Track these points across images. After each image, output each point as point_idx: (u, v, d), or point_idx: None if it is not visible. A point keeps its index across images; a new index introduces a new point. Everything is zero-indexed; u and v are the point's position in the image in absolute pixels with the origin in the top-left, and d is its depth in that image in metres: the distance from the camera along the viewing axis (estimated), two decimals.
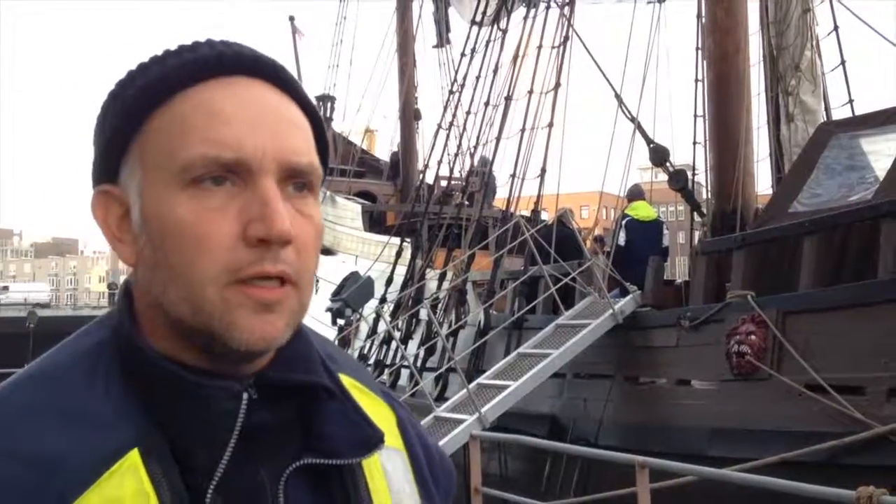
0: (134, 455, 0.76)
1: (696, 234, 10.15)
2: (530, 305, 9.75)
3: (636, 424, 8.01)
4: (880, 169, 7.51)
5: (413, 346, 11.34)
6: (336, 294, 14.21)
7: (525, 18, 11.98)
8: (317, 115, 0.88)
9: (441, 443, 7.03)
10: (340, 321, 13.48)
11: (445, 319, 11.01)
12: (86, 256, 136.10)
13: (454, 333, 10.58)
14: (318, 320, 13.16)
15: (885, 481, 4.17)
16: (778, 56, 9.80)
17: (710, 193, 9.38)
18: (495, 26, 13.16)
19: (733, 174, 8.76)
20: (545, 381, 8.45)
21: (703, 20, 9.57)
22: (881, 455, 5.87)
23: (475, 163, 13.41)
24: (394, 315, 12.06)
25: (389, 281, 13.43)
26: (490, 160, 12.54)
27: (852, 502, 4.00)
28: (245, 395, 0.80)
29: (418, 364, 10.50)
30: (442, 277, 11.69)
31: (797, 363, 6.64)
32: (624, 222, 10.13)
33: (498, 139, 11.99)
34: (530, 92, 11.39)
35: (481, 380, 8.76)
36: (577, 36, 11.01)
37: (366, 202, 18.43)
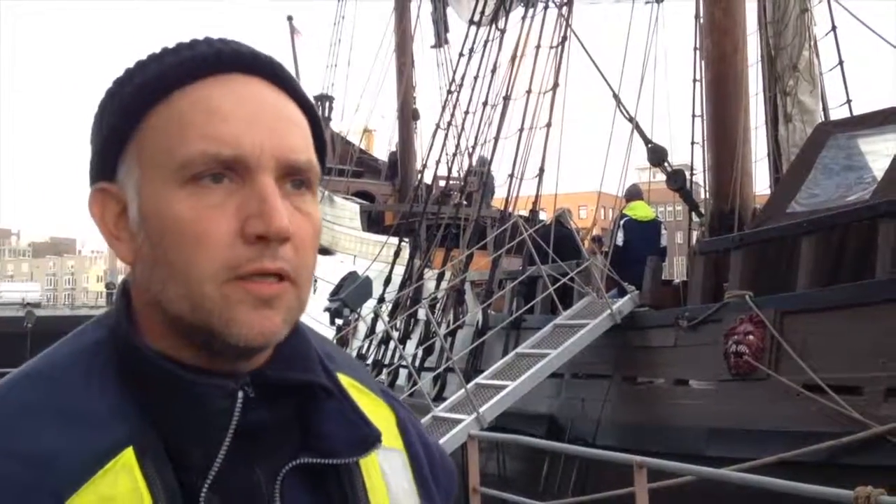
0: (128, 454, 0.76)
1: (694, 234, 10.15)
2: (528, 305, 9.75)
3: (634, 424, 8.01)
4: (878, 169, 7.52)
5: (411, 345, 11.33)
6: (334, 294, 14.21)
7: (523, 18, 11.98)
8: (314, 113, 0.88)
9: (439, 443, 7.02)
10: (338, 321, 13.48)
11: (444, 319, 11.01)
12: (83, 256, 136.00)
13: (452, 333, 10.58)
14: (317, 320, 13.15)
15: (883, 481, 4.17)
16: (776, 56, 9.81)
17: (708, 193, 9.38)
18: (493, 26, 13.16)
19: (731, 174, 8.77)
20: (543, 381, 8.45)
21: (701, 20, 9.58)
22: (879, 455, 5.88)
23: (473, 163, 13.42)
24: (392, 315, 12.05)
25: (388, 281, 13.43)
26: (488, 160, 12.55)
27: (850, 502, 4.00)
28: (241, 394, 0.80)
29: (416, 364, 10.50)
30: (440, 277, 11.68)
31: (795, 363, 6.64)
32: (622, 222, 10.13)
33: (496, 139, 11.99)
34: (528, 92, 11.40)
35: (479, 380, 8.76)
36: (576, 36, 11.03)
37: (364, 202, 18.43)
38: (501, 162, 12.27)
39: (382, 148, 21.70)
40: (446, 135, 14.19)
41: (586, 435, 8.33)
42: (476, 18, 13.65)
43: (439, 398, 9.47)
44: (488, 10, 13.36)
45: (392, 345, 11.56)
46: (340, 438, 0.84)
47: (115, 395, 0.79)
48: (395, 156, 19.70)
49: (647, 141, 9.88)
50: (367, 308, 13.03)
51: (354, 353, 12.27)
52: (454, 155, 14.55)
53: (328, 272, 16.11)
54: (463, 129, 13.70)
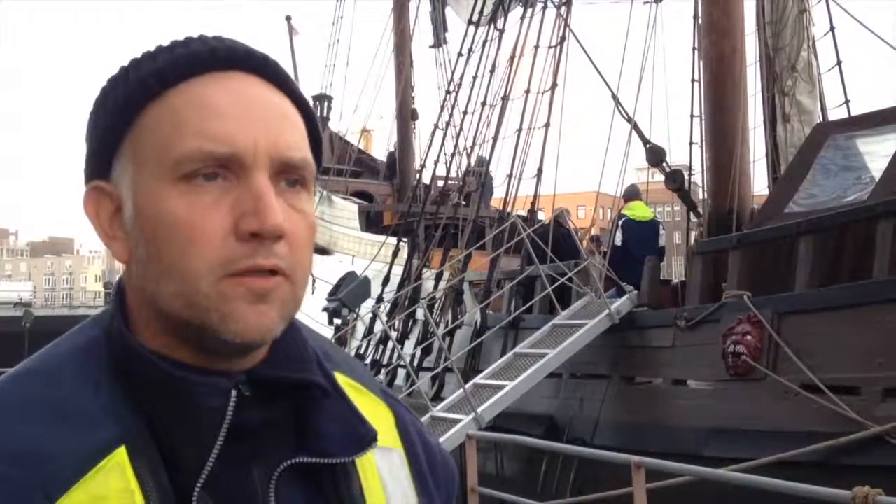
0: (121, 453, 0.76)
1: (693, 235, 10.16)
2: (527, 305, 9.75)
3: (632, 424, 8.01)
4: (876, 169, 7.52)
5: (409, 345, 11.34)
6: (333, 294, 14.23)
7: (522, 18, 11.98)
8: (310, 111, 0.87)
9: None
10: (337, 321, 13.50)
11: (442, 319, 11.01)
12: (82, 256, 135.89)
13: (451, 333, 10.58)
14: (315, 320, 13.16)
15: (880, 481, 4.17)
16: (774, 56, 9.81)
17: (706, 194, 9.38)
18: (492, 26, 13.16)
19: (730, 174, 8.77)
20: (542, 381, 8.45)
21: (700, 21, 9.58)
22: (877, 455, 5.88)
23: (472, 163, 13.42)
24: (390, 315, 12.06)
25: (386, 281, 13.43)
26: (487, 160, 12.55)
27: (848, 502, 4.01)
28: (234, 393, 0.80)
29: (415, 364, 10.51)
30: (439, 277, 11.68)
31: (793, 363, 6.64)
32: (620, 222, 10.14)
33: (495, 139, 12.00)
34: (527, 92, 11.40)
35: (478, 380, 8.77)
36: (574, 36, 11.04)
37: (363, 202, 18.43)
38: (500, 162, 12.29)
39: (381, 148, 21.73)
40: (445, 135, 14.21)
41: (584, 435, 8.33)
42: (475, 18, 13.65)
43: (437, 398, 9.47)
44: (487, 10, 13.37)
45: (390, 345, 11.56)
46: (336, 438, 0.84)
47: (109, 395, 0.79)
48: (394, 156, 19.70)
49: (645, 141, 9.88)
50: (366, 308, 13.04)
51: (352, 353, 12.26)
52: (453, 155, 14.55)
53: (327, 272, 16.12)
54: (461, 129, 13.71)
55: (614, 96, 10.07)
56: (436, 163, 14.58)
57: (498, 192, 13.17)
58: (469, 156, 13.57)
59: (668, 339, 8.00)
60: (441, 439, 7.54)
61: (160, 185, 0.79)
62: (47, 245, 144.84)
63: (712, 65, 9.14)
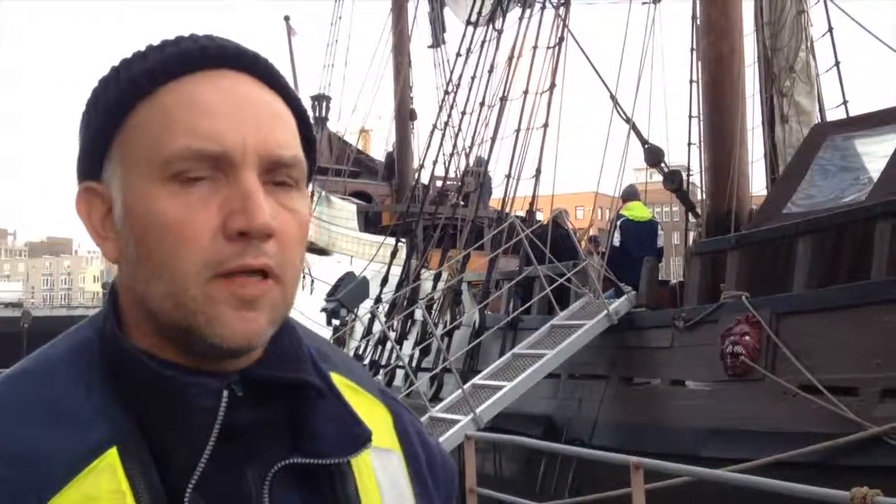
0: (112, 454, 0.75)
1: (691, 235, 10.17)
2: (525, 306, 9.75)
3: (631, 425, 8.02)
4: (874, 170, 7.53)
5: (408, 346, 11.33)
6: (331, 294, 14.23)
7: (520, 19, 11.98)
8: (302, 110, 0.87)
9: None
10: (335, 321, 13.49)
11: (440, 320, 11.00)
12: (80, 256, 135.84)
13: (449, 334, 10.58)
14: (314, 320, 13.15)
15: (879, 482, 4.17)
16: (772, 57, 9.82)
17: (704, 194, 9.39)
18: (490, 26, 13.16)
19: (728, 175, 8.78)
20: (540, 381, 8.45)
21: (698, 21, 9.59)
22: (875, 456, 5.88)
23: (470, 163, 13.42)
24: (389, 315, 12.05)
25: (384, 281, 13.43)
26: (485, 160, 12.55)
27: (846, 503, 4.01)
28: (225, 393, 0.79)
29: (413, 364, 10.50)
30: (437, 278, 11.68)
31: (791, 364, 6.65)
32: (619, 223, 10.14)
33: (493, 139, 12.00)
34: (525, 92, 11.40)
35: (476, 380, 8.76)
36: (573, 36, 11.04)
37: (361, 202, 18.43)
38: (498, 162, 12.29)
39: (379, 148, 21.72)
40: (443, 135, 14.22)
41: (583, 435, 8.33)
42: (473, 19, 13.66)
43: (436, 399, 9.47)
44: (485, 11, 13.37)
45: (389, 345, 11.55)
46: (331, 438, 0.83)
47: (101, 395, 0.78)
48: (393, 156, 19.70)
49: (643, 142, 9.89)
50: (364, 308, 13.04)
51: (351, 354, 12.26)
52: (451, 155, 14.56)
53: (325, 272, 16.13)
54: (460, 129, 13.72)
55: (613, 97, 10.07)
56: (434, 163, 14.61)
57: (496, 193, 13.19)
58: (467, 156, 13.58)
59: (667, 339, 8.01)
60: (440, 440, 7.51)
61: (149, 184, 0.79)
62: (45, 245, 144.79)
63: (711, 65, 9.15)
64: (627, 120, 9.91)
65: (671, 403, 7.87)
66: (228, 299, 0.78)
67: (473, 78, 13.08)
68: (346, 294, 13.53)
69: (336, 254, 17.20)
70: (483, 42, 13.14)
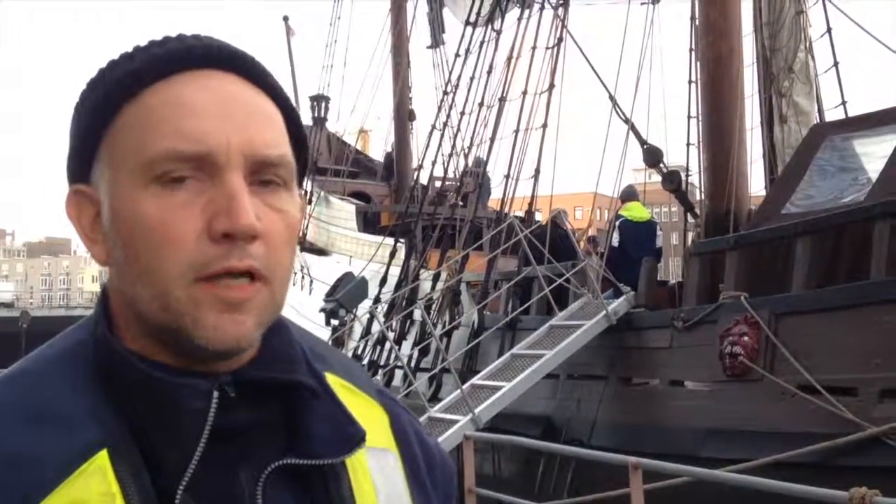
0: (102, 456, 0.75)
1: (690, 235, 10.17)
2: (524, 306, 9.75)
3: (630, 425, 8.02)
4: (873, 171, 7.53)
5: (407, 346, 11.33)
6: (330, 294, 14.22)
7: (519, 19, 11.99)
8: (291, 108, 0.86)
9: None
10: (334, 321, 13.48)
11: (439, 320, 11.00)
12: (79, 256, 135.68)
13: (448, 334, 10.58)
14: (312, 320, 13.15)
15: (877, 482, 4.18)
16: (771, 57, 9.83)
17: (703, 194, 9.39)
18: (489, 27, 13.17)
19: (727, 175, 8.78)
20: (539, 381, 8.45)
21: (697, 22, 9.59)
22: (874, 456, 5.89)
23: (469, 163, 13.42)
24: (388, 316, 12.05)
25: (383, 281, 13.42)
26: (484, 161, 12.55)
27: (845, 503, 4.01)
28: (216, 394, 0.79)
29: (412, 365, 10.50)
30: (436, 278, 11.68)
31: (790, 364, 6.65)
32: (618, 223, 10.14)
33: (492, 140, 12.00)
34: (524, 93, 11.41)
35: (475, 380, 8.77)
36: (571, 37, 11.05)
37: (360, 202, 18.43)
38: (497, 163, 12.30)
39: (378, 149, 21.72)
40: (442, 135, 14.21)
41: (582, 436, 8.34)
42: (472, 19, 13.66)
43: (435, 399, 9.47)
44: (484, 11, 13.38)
45: (388, 346, 11.55)
46: (325, 439, 0.83)
47: (92, 397, 0.78)
48: (392, 156, 19.69)
49: (642, 142, 9.89)
50: (363, 309, 13.03)
51: (350, 354, 12.26)
52: (450, 156, 14.57)
53: (324, 273, 16.12)
54: (459, 129, 13.71)
55: (611, 97, 10.08)
56: (433, 163, 14.61)
57: (495, 193, 13.20)
58: (466, 156, 13.57)
59: (666, 339, 8.01)
60: (438, 440, 7.51)
61: (134, 186, 0.78)
62: (44, 245, 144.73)
63: (709, 66, 9.15)
64: (626, 120, 9.91)
65: (670, 404, 7.87)
66: (213, 302, 0.77)
67: (472, 78, 13.09)
68: (344, 294, 13.53)
69: (335, 254, 17.20)
70: (482, 42, 13.16)
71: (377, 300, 12.95)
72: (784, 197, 8.16)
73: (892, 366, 6.02)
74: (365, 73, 20.12)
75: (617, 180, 10.56)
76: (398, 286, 12.63)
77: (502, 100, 11.98)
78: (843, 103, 10.15)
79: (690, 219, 9.95)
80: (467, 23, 13.84)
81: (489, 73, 12.70)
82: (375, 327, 12.10)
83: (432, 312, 11.14)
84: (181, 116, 0.78)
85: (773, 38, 9.80)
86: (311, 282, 16.81)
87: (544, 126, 10.93)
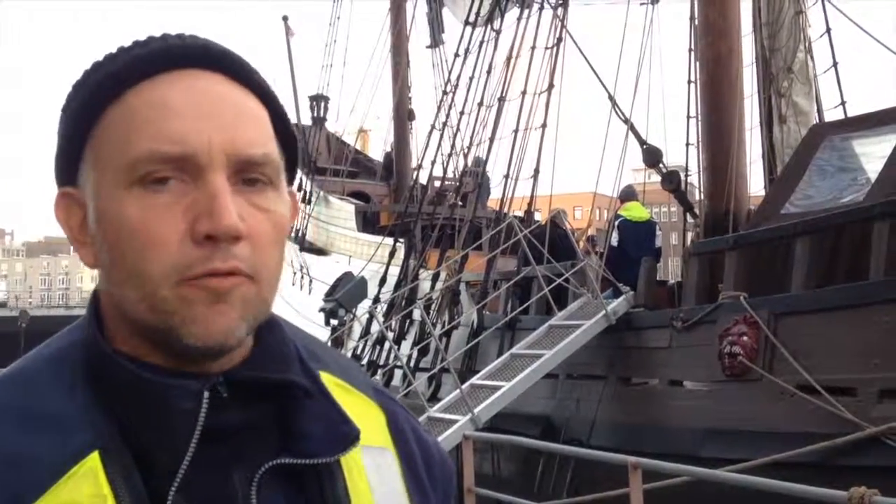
0: (94, 458, 0.75)
1: (689, 235, 10.18)
2: (523, 306, 9.75)
3: (629, 425, 8.02)
4: (872, 171, 7.54)
5: (406, 346, 11.33)
6: (329, 294, 14.22)
7: (518, 19, 11.99)
8: (278, 105, 0.85)
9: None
10: (333, 321, 13.48)
11: (439, 320, 11.01)
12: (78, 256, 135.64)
13: (447, 334, 10.58)
14: (312, 320, 13.15)
15: (876, 482, 4.18)
16: (770, 58, 9.83)
17: (702, 194, 9.40)
18: (489, 27, 13.16)
19: (726, 175, 8.78)
20: (538, 381, 8.45)
21: (696, 22, 9.59)
22: (873, 456, 5.89)
23: (469, 163, 13.42)
24: (387, 315, 12.05)
25: (383, 281, 13.42)
26: (484, 161, 12.55)
27: (844, 503, 4.01)
28: (206, 395, 0.78)
29: (411, 364, 10.50)
30: (435, 278, 11.68)
31: (789, 364, 6.65)
32: (617, 223, 10.14)
33: (491, 140, 12.01)
34: (523, 93, 11.40)
35: (474, 380, 8.76)
36: (571, 37, 11.05)
37: (359, 202, 18.42)
38: (496, 162, 12.30)
39: (378, 148, 21.72)
40: (441, 135, 14.20)
41: (581, 435, 8.34)
42: (471, 19, 13.66)
43: (434, 399, 9.47)
44: (484, 11, 13.37)
45: (387, 345, 11.55)
46: (318, 438, 0.83)
47: (84, 399, 0.78)
48: (391, 156, 19.69)
49: (642, 142, 9.89)
50: (362, 308, 13.03)
51: (349, 354, 12.26)
52: (449, 155, 14.56)
53: (323, 272, 16.12)
54: (458, 129, 13.71)
55: (611, 97, 10.08)
56: (432, 163, 14.60)
57: (495, 193, 13.20)
58: (466, 156, 13.57)
59: (665, 339, 8.01)
60: (438, 440, 7.52)
61: (118, 188, 0.78)
62: (43, 245, 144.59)
63: (709, 66, 9.15)
64: (625, 120, 9.92)
65: (669, 403, 7.87)
66: (199, 296, 0.77)
67: (472, 78, 13.09)
68: (344, 294, 13.52)
69: (334, 254, 17.19)
70: (481, 42, 13.16)
71: (376, 300, 12.95)
72: (783, 197, 8.16)
73: (891, 366, 6.03)
74: (364, 72, 20.18)
75: (616, 180, 10.57)
76: (397, 286, 12.63)
77: (502, 99, 11.98)
78: (843, 103, 10.15)
79: (690, 219, 9.96)
80: (467, 22, 13.84)
81: (488, 72, 12.71)
82: (375, 327, 12.09)
83: (431, 312, 11.14)
84: (163, 117, 0.78)
85: (772, 39, 9.81)
86: (311, 281, 16.80)
87: (543, 126, 10.94)
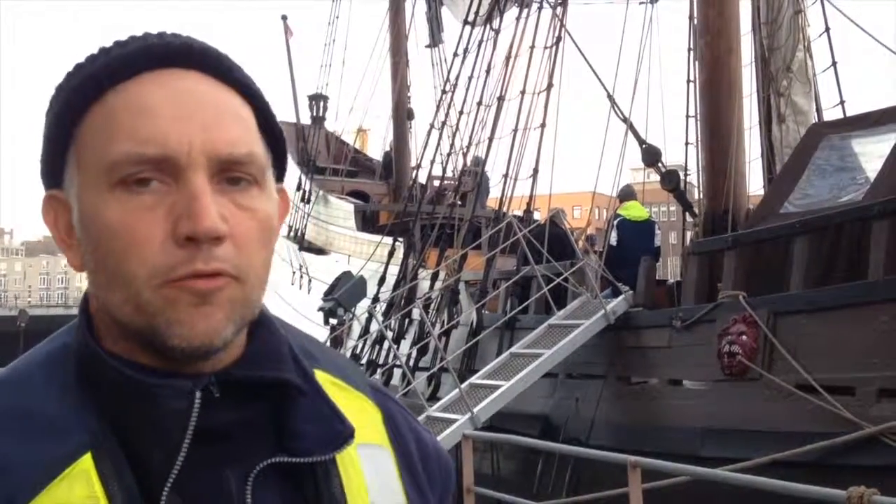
0: (86, 459, 0.75)
1: (688, 235, 10.17)
2: (523, 305, 9.75)
3: (628, 424, 8.02)
4: (871, 170, 7.54)
5: (405, 345, 11.33)
6: (328, 293, 14.22)
7: (517, 18, 11.99)
8: (262, 102, 0.84)
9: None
10: (333, 320, 13.49)
11: (438, 319, 11.00)
12: None
13: (446, 333, 10.58)
14: (311, 319, 13.16)
15: (876, 481, 4.18)
16: (769, 57, 9.83)
17: (701, 194, 9.40)
18: (488, 26, 13.16)
19: (725, 175, 8.78)
20: (537, 381, 8.45)
21: (695, 21, 9.59)
22: (872, 455, 5.89)
23: (468, 162, 13.42)
24: (386, 315, 12.05)
25: (382, 280, 13.42)
26: (483, 160, 12.55)
27: (843, 502, 4.01)
28: (198, 394, 0.78)
29: (411, 364, 10.50)
30: (434, 277, 11.68)
31: (788, 363, 6.65)
32: (616, 222, 10.15)
33: (490, 139, 12.00)
34: (523, 92, 11.40)
35: (473, 380, 8.76)
36: (570, 36, 11.04)
37: (358, 202, 18.41)
38: (496, 162, 12.30)
39: (377, 148, 21.70)
40: (441, 134, 14.20)
41: (580, 435, 8.33)
42: (470, 18, 13.66)
43: (433, 398, 9.47)
44: (483, 10, 13.37)
45: (386, 345, 11.55)
46: (313, 436, 0.82)
47: (75, 401, 0.78)
48: (390, 155, 19.69)
49: (641, 141, 9.89)
50: (362, 308, 13.03)
51: (348, 353, 12.26)
52: (448, 155, 14.56)
53: (322, 271, 16.13)
54: (457, 128, 13.71)
55: (610, 97, 10.07)
56: (432, 162, 14.60)
57: (494, 192, 13.19)
58: (465, 156, 13.57)
59: (664, 339, 8.01)
60: (437, 439, 7.52)
61: (100, 191, 0.78)
62: (42, 244, 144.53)
63: (708, 65, 9.15)
64: (625, 120, 9.91)
65: (668, 403, 7.87)
66: (184, 298, 0.76)
67: (471, 78, 13.09)
68: (343, 293, 13.52)
69: (333, 253, 17.19)
70: (480, 42, 13.16)
71: (376, 299, 12.95)
72: (782, 196, 8.16)
73: (890, 365, 6.03)
74: (363, 72, 20.07)
75: (615, 179, 10.58)
76: (397, 285, 12.62)
77: (501, 99, 11.98)
78: (842, 103, 10.16)
79: (689, 218, 9.95)
80: (466, 22, 13.84)
81: (488, 72, 12.70)
82: (374, 326, 12.09)
83: (431, 311, 11.14)
84: (142, 119, 0.77)
85: (771, 38, 9.81)
86: (310, 281, 16.80)
87: (543, 125, 10.93)
